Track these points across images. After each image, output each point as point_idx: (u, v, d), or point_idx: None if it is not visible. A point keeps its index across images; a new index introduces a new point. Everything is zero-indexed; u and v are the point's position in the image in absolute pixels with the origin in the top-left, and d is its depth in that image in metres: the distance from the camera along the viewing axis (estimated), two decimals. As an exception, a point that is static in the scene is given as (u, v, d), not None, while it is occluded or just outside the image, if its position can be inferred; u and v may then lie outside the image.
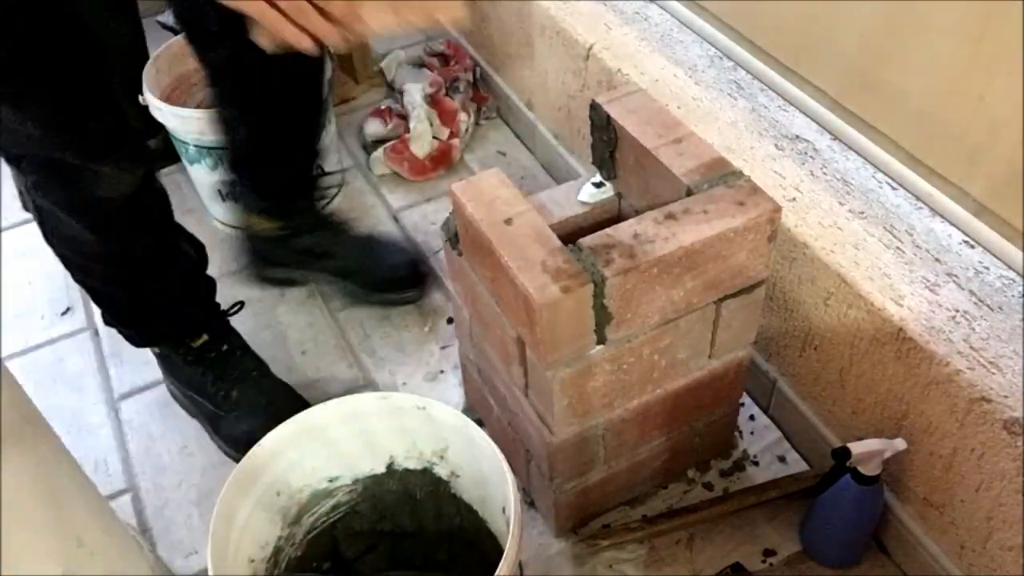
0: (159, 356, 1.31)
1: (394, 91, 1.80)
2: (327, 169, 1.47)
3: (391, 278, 1.43)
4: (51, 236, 1.11)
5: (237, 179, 1.41)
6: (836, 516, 1.02)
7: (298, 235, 1.40)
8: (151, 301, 1.19)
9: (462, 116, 1.68)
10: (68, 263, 1.15)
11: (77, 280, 1.18)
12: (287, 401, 1.24)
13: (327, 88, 1.40)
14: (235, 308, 1.32)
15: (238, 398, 1.24)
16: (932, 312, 0.92)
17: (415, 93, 1.68)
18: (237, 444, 1.22)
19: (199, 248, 1.25)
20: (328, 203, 1.47)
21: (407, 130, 1.64)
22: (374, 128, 1.69)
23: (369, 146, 1.70)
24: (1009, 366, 0.86)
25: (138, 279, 1.16)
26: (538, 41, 1.52)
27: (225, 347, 1.27)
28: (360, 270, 1.43)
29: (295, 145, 1.33)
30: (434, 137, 1.64)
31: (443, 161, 1.65)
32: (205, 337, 1.25)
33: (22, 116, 0.92)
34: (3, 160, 1.03)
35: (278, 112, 1.24)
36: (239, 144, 1.30)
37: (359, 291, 1.44)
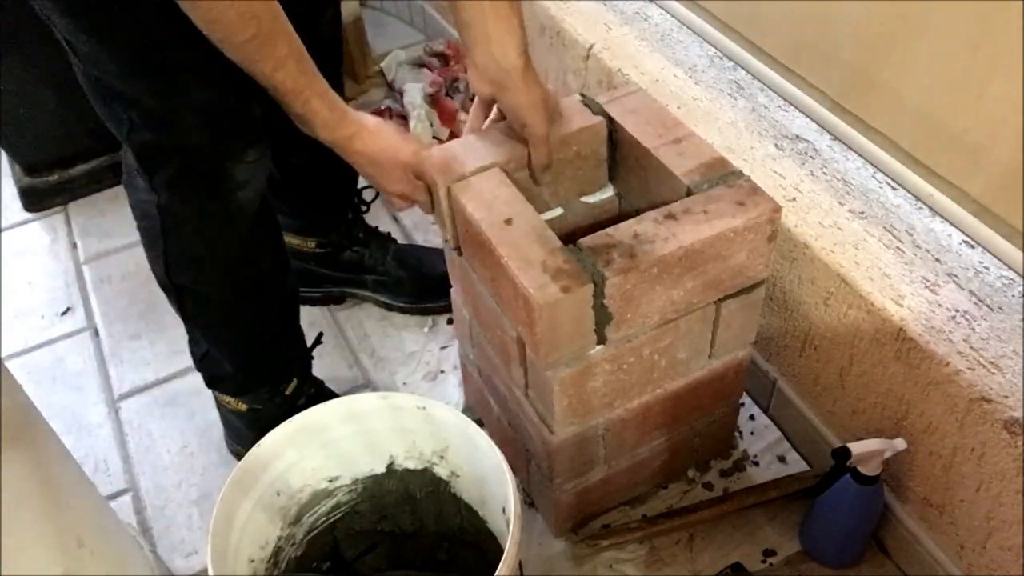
0: (237, 415, 1.21)
1: (394, 91, 1.80)
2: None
3: (432, 284, 1.40)
4: (178, 265, 1.03)
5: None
6: (836, 516, 1.02)
7: (339, 251, 1.38)
8: (262, 334, 1.13)
9: (462, 116, 1.68)
10: (187, 296, 1.07)
11: (191, 316, 1.10)
12: None
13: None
14: (317, 342, 1.24)
15: None
16: (932, 312, 0.92)
17: (415, 93, 1.68)
18: None
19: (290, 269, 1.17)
20: (366, 211, 1.43)
21: (407, 130, 1.64)
22: None
23: None
24: (1009, 366, 0.86)
25: (258, 304, 1.10)
26: (538, 41, 1.52)
27: (313, 391, 1.21)
28: (403, 280, 1.41)
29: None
30: (434, 137, 1.64)
31: None
32: (295, 381, 1.18)
33: (182, 98, 0.88)
34: (133, 169, 0.96)
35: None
36: (289, 172, 1.26)
37: (403, 301, 1.42)
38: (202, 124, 0.91)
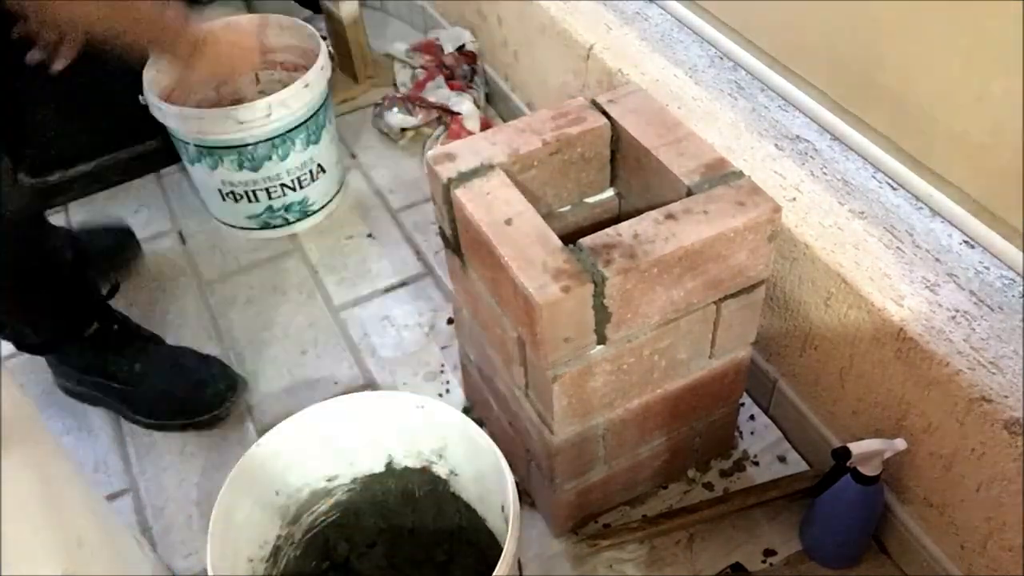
0: (55, 357, 1.32)
1: (395, 85, 1.82)
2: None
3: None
4: None
5: None
6: (836, 516, 1.02)
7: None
8: (41, 308, 1.21)
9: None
10: None
11: None
12: (191, 359, 1.30)
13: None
14: (111, 292, 1.34)
15: (143, 368, 1.28)
16: (932, 312, 0.92)
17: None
18: (159, 408, 1.27)
19: (76, 246, 1.25)
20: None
21: (438, 116, 1.70)
22: (399, 119, 1.73)
23: (397, 134, 1.75)
24: (1009, 366, 0.86)
25: (24, 290, 1.17)
26: (538, 41, 1.52)
27: (116, 327, 1.30)
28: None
29: None
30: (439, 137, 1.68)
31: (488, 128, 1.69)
32: (96, 325, 1.28)
33: None
34: None
35: None
36: None
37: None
38: None
